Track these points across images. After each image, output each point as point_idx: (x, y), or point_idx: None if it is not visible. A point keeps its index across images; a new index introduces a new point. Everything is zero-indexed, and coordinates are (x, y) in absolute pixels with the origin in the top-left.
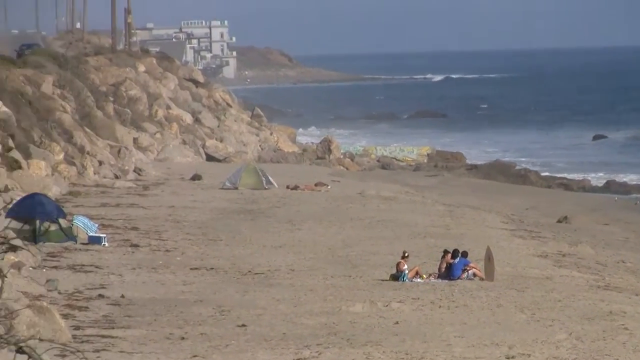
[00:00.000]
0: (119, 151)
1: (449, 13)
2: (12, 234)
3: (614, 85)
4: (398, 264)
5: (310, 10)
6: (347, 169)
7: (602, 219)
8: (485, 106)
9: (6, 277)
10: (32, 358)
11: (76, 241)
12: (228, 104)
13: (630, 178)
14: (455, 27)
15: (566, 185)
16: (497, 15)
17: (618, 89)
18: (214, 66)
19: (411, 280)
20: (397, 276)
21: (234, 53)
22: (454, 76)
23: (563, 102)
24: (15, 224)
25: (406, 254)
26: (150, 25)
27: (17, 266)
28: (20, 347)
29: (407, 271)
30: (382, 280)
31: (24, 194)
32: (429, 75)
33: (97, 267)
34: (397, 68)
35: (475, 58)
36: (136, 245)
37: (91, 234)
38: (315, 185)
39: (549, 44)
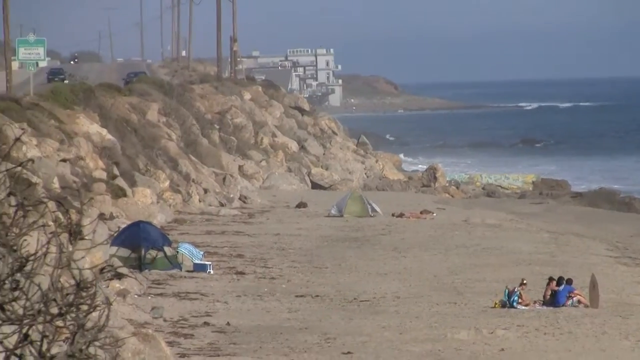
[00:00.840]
0: (224, 179)
1: (542, 41)
2: (118, 262)
3: None
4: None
5: (415, 38)
6: (452, 196)
7: None
8: (585, 134)
9: (112, 304)
10: None
11: (181, 269)
12: (334, 132)
13: None
14: (548, 56)
15: None
16: (585, 43)
17: None
18: (319, 94)
19: (515, 307)
20: (505, 302)
21: (340, 81)
22: (547, 104)
23: None
24: (123, 252)
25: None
26: (256, 53)
27: (123, 294)
28: None
29: (516, 296)
30: (488, 307)
31: (129, 222)
32: (521, 104)
33: (202, 294)
34: (494, 96)
35: (566, 86)
36: (241, 273)
37: (196, 261)
38: (421, 212)
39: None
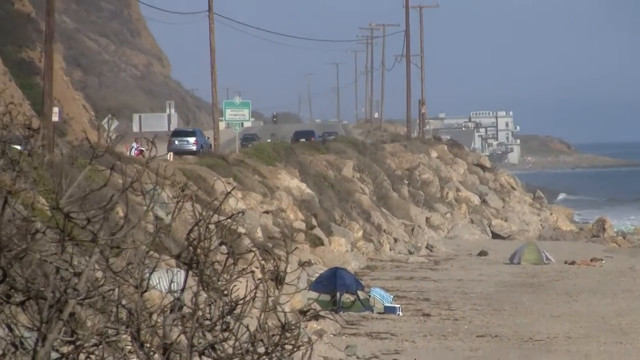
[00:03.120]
0: (412, 229)
1: None
2: (317, 305)
3: None
4: None
5: (588, 102)
6: (619, 245)
7: None
8: None
9: (313, 344)
10: None
11: (373, 311)
12: (512, 187)
13: None
14: None
15: None
16: None
17: None
18: (499, 152)
19: None
20: None
21: (518, 141)
22: None
23: None
24: (324, 297)
25: None
26: (442, 115)
27: (320, 333)
28: None
29: None
30: None
31: (326, 268)
32: None
33: (392, 334)
34: None
35: None
36: (427, 315)
37: (387, 304)
38: (591, 260)
39: None
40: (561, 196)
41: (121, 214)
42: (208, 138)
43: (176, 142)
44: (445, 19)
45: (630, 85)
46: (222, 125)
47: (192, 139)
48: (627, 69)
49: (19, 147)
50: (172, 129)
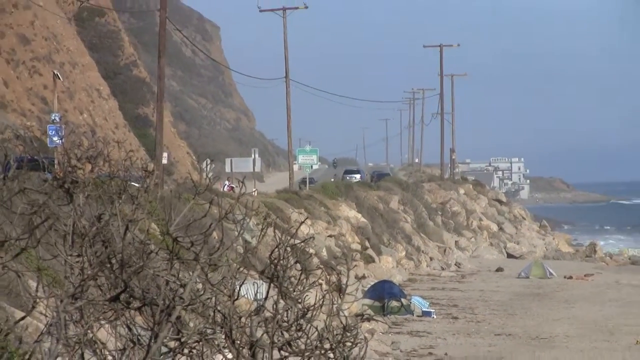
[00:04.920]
0: (444, 250)
1: None
2: (369, 310)
3: None
4: None
5: (585, 148)
6: (607, 264)
7: None
8: None
9: (368, 342)
10: None
11: (413, 314)
12: (523, 217)
13: None
14: None
15: None
16: None
17: None
18: (513, 190)
19: None
20: None
21: (528, 181)
22: None
23: None
24: (376, 303)
25: None
26: (468, 160)
27: (371, 332)
28: None
29: None
30: (632, 344)
31: (376, 281)
32: None
33: (428, 332)
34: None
35: None
36: (456, 318)
37: (424, 309)
38: (584, 275)
39: None
40: (565, 227)
41: (217, 238)
42: (366, 174)
43: (347, 177)
44: (472, 84)
45: (619, 132)
46: (295, 167)
47: (358, 175)
48: (611, 122)
49: (137, 185)
50: (256, 170)
